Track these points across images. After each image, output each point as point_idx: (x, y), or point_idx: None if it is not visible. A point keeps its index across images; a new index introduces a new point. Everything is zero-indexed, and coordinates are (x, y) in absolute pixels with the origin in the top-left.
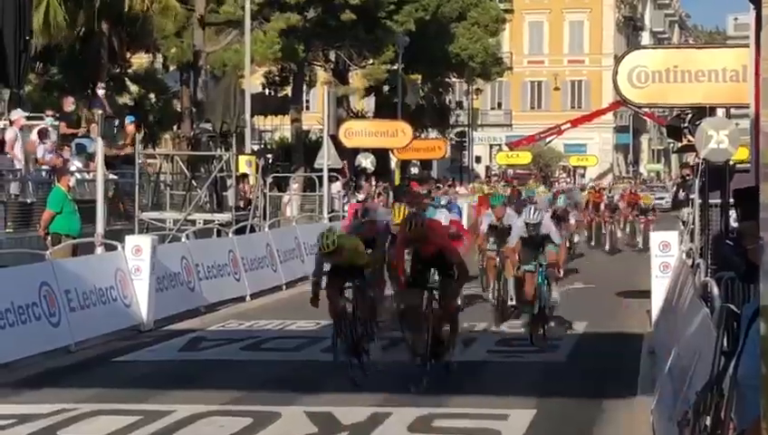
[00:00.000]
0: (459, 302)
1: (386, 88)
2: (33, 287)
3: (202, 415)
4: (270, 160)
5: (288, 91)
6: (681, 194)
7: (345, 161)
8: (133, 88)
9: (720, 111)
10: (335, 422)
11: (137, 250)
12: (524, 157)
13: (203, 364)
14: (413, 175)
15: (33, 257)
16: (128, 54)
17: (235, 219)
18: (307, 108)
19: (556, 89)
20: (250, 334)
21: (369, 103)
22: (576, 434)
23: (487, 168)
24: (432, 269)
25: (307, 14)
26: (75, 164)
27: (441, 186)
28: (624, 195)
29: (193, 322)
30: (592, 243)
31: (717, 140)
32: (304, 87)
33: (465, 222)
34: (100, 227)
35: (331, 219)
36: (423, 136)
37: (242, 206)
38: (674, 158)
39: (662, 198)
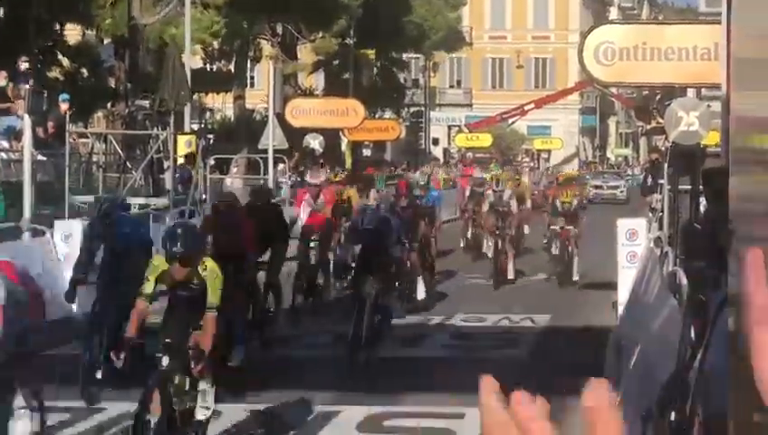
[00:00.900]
0: None
1: (336, 63)
2: None
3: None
4: (211, 141)
5: (231, 66)
6: (650, 180)
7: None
8: (65, 62)
9: (691, 92)
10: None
11: (66, 236)
12: (485, 139)
13: None
14: (365, 157)
15: None
16: (58, 25)
17: (173, 204)
18: (251, 85)
19: (519, 66)
20: None
21: (318, 80)
22: None
23: (445, 150)
24: None
25: None
26: (2, 144)
27: (396, 168)
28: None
29: None
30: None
31: (688, 121)
32: (248, 62)
33: None
34: (27, 211)
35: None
36: (376, 116)
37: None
38: (642, 141)
39: (616, 188)
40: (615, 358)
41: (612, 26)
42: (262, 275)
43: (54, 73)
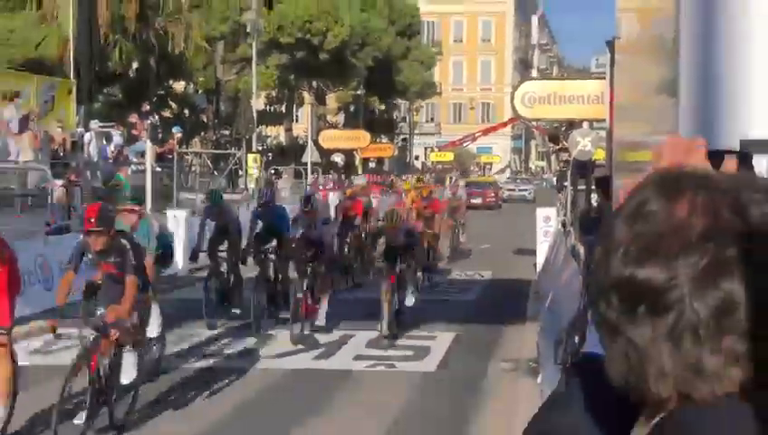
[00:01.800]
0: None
1: (351, 107)
2: None
3: None
4: (270, 157)
5: (283, 108)
6: (559, 183)
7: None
8: (173, 105)
9: (585, 124)
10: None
11: (176, 219)
12: (449, 156)
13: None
14: (371, 169)
15: None
16: (170, 81)
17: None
18: (296, 120)
19: (472, 108)
20: None
21: (339, 118)
22: (484, 349)
23: (423, 163)
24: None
25: (296, 55)
26: (132, 160)
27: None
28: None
29: None
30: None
31: (583, 144)
32: (294, 106)
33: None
34: (149, 204)
35: None
36: (377, 141)
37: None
38: (553, 157)
39: (525, 190)
40: (535, 301)
41: (533, 82)
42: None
43: (166, 113)
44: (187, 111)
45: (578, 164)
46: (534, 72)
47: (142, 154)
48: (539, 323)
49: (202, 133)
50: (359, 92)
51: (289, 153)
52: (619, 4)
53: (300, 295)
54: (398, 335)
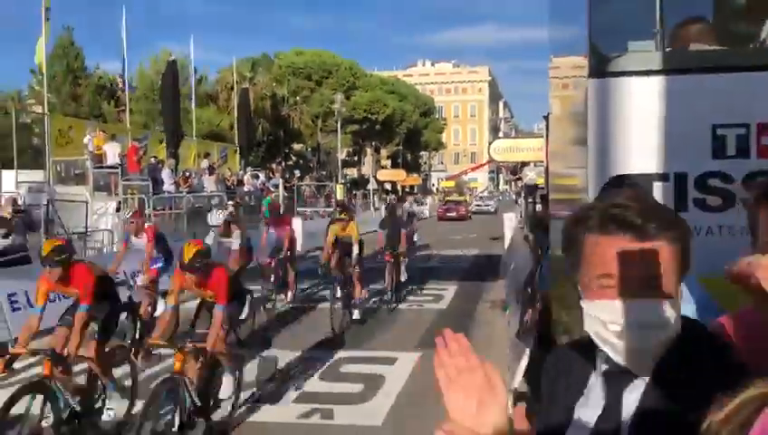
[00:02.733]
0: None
1: (395, 156)
2: None
3: None
4: (348, 186)
5: (354, 157)
6: (515, 198)
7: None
8: (293, 158)
9: (532, 163)
10: None
11: (294, 227)
12: (452, 183)
13: None
14: (406, 192)
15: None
16: (291, 144)
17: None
18: (362, 164)
19: (465, 155)
20: None
21: (388, 162)
22: (475, 295)
23: (436, 188)
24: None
25: (363, 126)
26: (272, 189)
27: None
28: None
29: None
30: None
31: (531, 175)
32: (362, 156)
33: None
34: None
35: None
36: (410, 175)
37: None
38: (513, 183)
39: (488, 205)
40: (504, 268)
41: (501, 140)
42: None
43: (290, 162)
44: (301, 161)
45: (528, 187)
46: (501, 134)
47: (276, 186)
48: (506, 280)
49: (310, 173)
50: (399, 147)
51: (360, 184)
52: (551, 94)
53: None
54: (416, 292)
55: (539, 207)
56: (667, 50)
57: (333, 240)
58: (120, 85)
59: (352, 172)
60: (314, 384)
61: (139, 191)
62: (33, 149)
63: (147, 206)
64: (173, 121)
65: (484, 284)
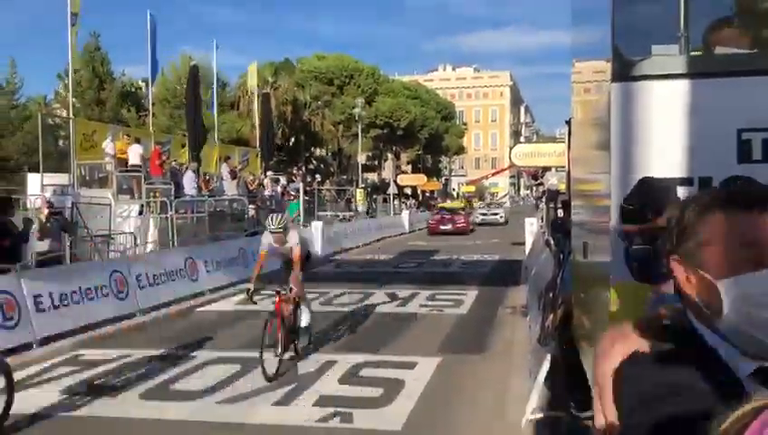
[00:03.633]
0: None
1: (415, 162)
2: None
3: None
4: (369, 191)
5: (376, 162)
6: (536, 203)
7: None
8: (314, 162)
9: (554, 169)
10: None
11: (315, 228)
12: (472, 188)
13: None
14: (426, 196)
15: None
16: (312, 149)
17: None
18: (383, 169)
19: (486, 160)
20: None
21: (408, 167)
22: (495, 300)
23: (457, 193)
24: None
25: (384, 131)
26: (291, 193)
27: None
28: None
29: None
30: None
31: (553, 181)
32: (382, 161)
33: None
34: (301, 217)
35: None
36: (430, 180)
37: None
38: (535, 188)
39: (496, 214)
40: (524, 272)
41: (522, 144)
42: None
43: (311, 167)
44: (322, 166)
45: (550, 192)
46: (522, 139)
47: (297, 190)
48: (527, 285)
49: (330, 178)
50: (419, 153)
51: (381, 188)
52: (573, 98)
53: None
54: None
55: (560, 212)
56: (692, 53)
57: None
58: (144, 90)
59: (373, 177)
60: (334, 388)
61: (161, 194)
62: (58, 153)
63: (169, 208)
64: (195, 126)
65: (504, 289)
